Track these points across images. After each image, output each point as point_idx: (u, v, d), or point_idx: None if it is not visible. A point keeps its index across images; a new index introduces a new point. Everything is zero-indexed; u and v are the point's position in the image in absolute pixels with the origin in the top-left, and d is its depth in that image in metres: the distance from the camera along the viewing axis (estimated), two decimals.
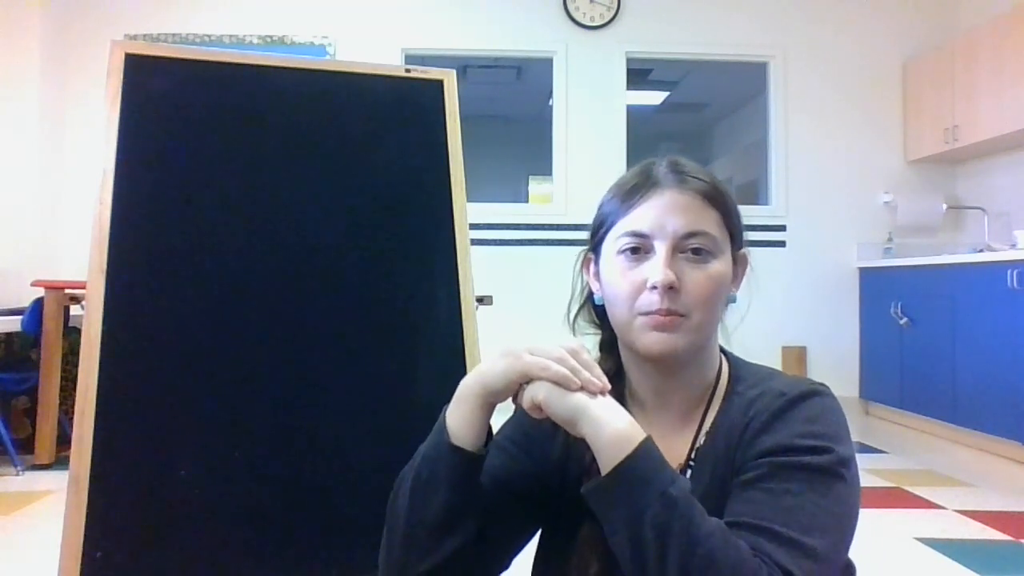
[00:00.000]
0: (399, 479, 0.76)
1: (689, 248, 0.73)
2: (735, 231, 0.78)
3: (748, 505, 0.66)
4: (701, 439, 0.78)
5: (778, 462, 0.67)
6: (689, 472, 0.77)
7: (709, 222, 0.74)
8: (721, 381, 0.80)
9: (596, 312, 0.85)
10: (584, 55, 4.38)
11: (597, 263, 0.80)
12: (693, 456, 0.78)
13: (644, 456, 0.64)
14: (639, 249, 0.74)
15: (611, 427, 0.65)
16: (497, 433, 0.88)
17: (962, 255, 3.55)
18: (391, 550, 0.74)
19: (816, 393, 0.73)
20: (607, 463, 0.64)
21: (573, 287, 0.85)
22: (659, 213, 0.74)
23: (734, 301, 0.82)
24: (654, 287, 0.72)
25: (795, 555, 0.61)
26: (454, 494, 0.71)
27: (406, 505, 0.73)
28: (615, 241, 0.76)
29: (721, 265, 0.75)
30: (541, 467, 0.82)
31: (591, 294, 0.83)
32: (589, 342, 0.80)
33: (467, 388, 0.73)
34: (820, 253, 4.37)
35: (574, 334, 0.84)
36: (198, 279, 1.33)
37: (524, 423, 0.85)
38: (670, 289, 0.71)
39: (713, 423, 0.78)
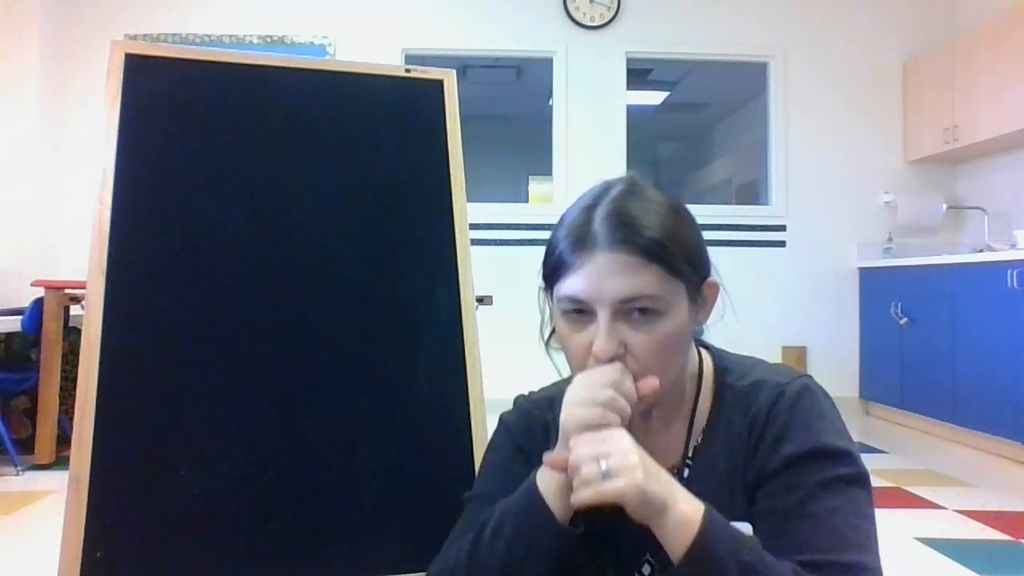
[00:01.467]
0: (469, 550, 0.74)
1: (633, 309, 0.70)
2: (691, 271, 0.73)
3: (800, 536, 0.67)
4: (697, 437, 0.78)
5: (813, 480, 0.69)
6: (687, 471, 0.77)
7: (650, 282, 0.69)
8: (706, 373, 0.80)
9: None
10: (584, 55, 4.38)
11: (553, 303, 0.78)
12: (691, 455, 0.77)
13: (712, 531, 0.64)
14: (582, 311, 0.72)
15: (675, 511, 0.65)
16: (489, 453, 0.88)
17: (962, 255, 3.55)
18: None
19: (809, 387, 0.75)
20: (678, 547, 0.64)
21: (541, 311, 0.83)
22: (595, 278, 0.70)
23: (701, 332, 0.81)
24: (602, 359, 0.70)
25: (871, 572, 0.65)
26: (553, 567, 0.71)
27: None
28: (558, 301, 0.74)
29: (670, 322, 0.71)
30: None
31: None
32: (563, 359, 0.79)
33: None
34: (820, 253, 4.37)
35: (548, 354, 0.83)
36: (198, 279, 1.33)
37: (516, 438, 0.85)
38: (615, 358, 0.70)
39: (709, 420, 0.78)
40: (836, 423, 0.73)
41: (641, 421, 0.77)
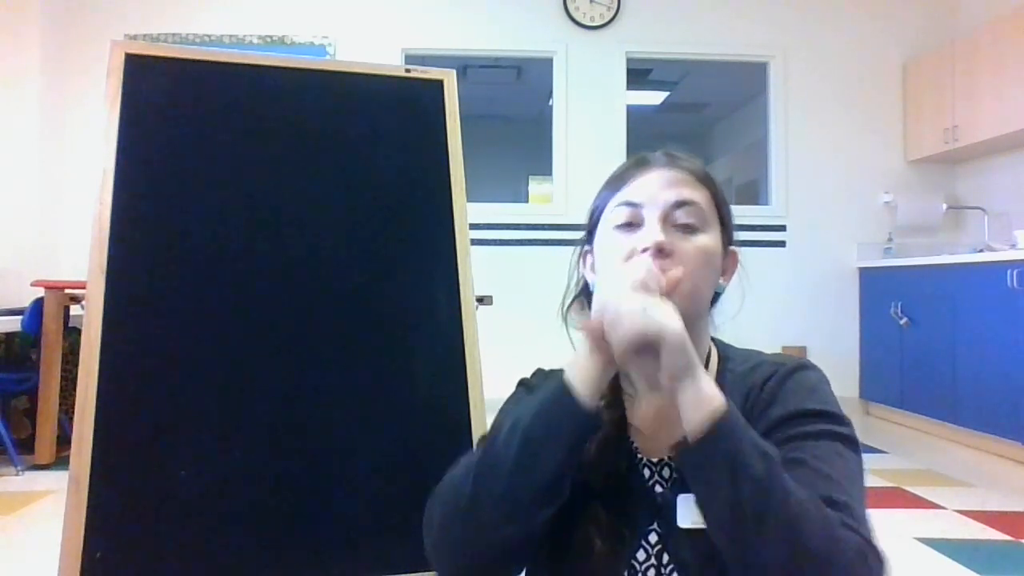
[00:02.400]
0: (483, 448, 0.71)
1: (679, 220, 0.75)
2: (725, 219, 0.80)
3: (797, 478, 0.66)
4: None
5: (799, 433, 0.69)
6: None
7: (699, 196, 0.77)
8: (711, 362, 0.82)
9: (591, 304, 0.84)
10: (584, 55, 4.38)
11: (593, 254, 0.82)
12: None
13: (735, 415, 0.65)
14: (631, 223, 0.76)
15: (702, 382, 0.65)
16: (502, 407, 0.87)
17: (962, 255, 3.55)
18: (466, 521, 0.68)
19: (804, 365, 0.77)
20: (699, 419, 0.64)
21: (569, 280, 0.86)
22: (651, 185, 0.76)
23: (722, 292, 0.82)
24: (645, 249, 0.73)
25: (859, 520, 0.63)
26: (571, 454, 0.68)
27: (509, 467, 0.67)
28: (609, 216, 0.78)
29: (710, 239, 0.76)
30: None
31: (586, 285, 0.84)
32: (579, 336, 0.79)
33: (600, 342, 0.68)
34: (820, 253, 4.37)
35: (566, 325, 0.84)
36: (198, 279, 1.33)
37: (533, 387, 0.85)
38: (660, 252, 0.72)
39: None
40: (828, 397, 0.74)
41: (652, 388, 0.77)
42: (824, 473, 0.66)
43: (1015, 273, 3.04)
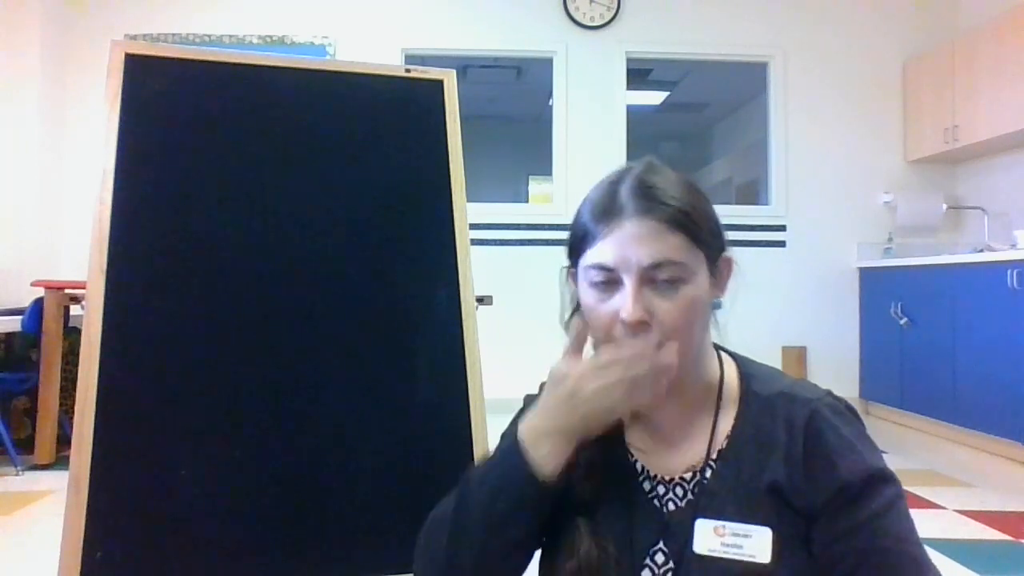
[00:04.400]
0: (440, 515, 0.78)
1: (658, 278, 0.72)
2: (711, 241, 0.76)
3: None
4: (722, 440, 0.77)
5: (874, 511, 0.70)
6: (709, 471, 0.77)
7: (675, 248, 0.72)
8: (729, 377, 0.80)
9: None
10: (584, 55, 4.38)
11: (576, 277, 0.80)
12: (715, 457, 0.77)
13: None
14: (609, 281, 0.74)
15: None
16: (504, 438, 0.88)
17: (962, 255, 3.54)
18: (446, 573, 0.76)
19: (834, 402, 0.77)
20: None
21: (562, 295, 0.85)
22: (622, 246, 0.72)
23: (719, 307, 0.82)
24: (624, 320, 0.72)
25: None
26: (534, 523, 0.74)
27: (480, 536, 0.73)
28: (584, 271, 0.76)
29: (693, 289, 0.73)
30: None
31: (579, 301, 0.82)
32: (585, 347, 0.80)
33: (561, 423, 0.73)
34: (820, 253, 4.37)
35: (566, 334, 0.83)
36: (198, 279, 1.33)
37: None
38: (642, 323, 0.71)
39: (736, 425, 0.77)
40: (867, 438, 0.75)
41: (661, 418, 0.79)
42: (916, 558, 0.68)
43: (1015, 273, 3.04)
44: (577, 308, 0.83)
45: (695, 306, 0.73)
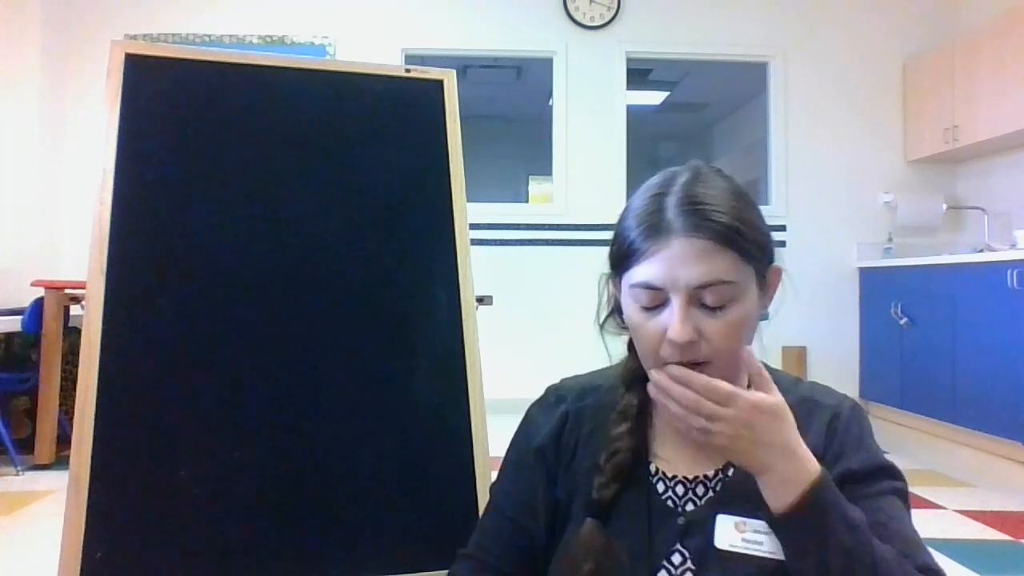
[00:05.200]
0: None
1: (706, 300, 0.70)
2: (761, 256, 0.75)
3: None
4: None
5: (875, 492, 0.73)
6: (732, 469, 0.77)
7: (724, 268, 0.70)
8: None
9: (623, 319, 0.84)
10: (584, 55, 4.38)
11: (619, 286, 0.78)
12: None
13: (827, 488, 0.68)
14: (656, 298, 0.72)
15: (796, 466, 0.68)
16: (509, 448, 0.88)
17: (962, 255, 3.54)
18: None
19: (857, 406, 0.82)
20: (789, 493, 0.67)
21: (600, 295, 0.83)
22: (670, 266, 0.70)
23: (766, 318, 0.82)
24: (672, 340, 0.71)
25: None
26: None
27: None
28: (630, 288, 0.74)
29: (742, 308, 0.72)
30: (555, 471, 0.84)
31: (618, 305, 0.81)
32: (618, 345, 0.82)
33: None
34: (820, 253, 4.37)
35: (603, 339, 0.84)
36: (198, 279, 1.33)
37: (532, 433, 0.86)
38: (691, 343, 0.70)
39: None
40: (874, 443, 0.79)
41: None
42: (910, 538, 0.71)
43: (1015, 273, 3.04)
44: (613, 311, 0.82)
45: (744, 324, 0.72)
